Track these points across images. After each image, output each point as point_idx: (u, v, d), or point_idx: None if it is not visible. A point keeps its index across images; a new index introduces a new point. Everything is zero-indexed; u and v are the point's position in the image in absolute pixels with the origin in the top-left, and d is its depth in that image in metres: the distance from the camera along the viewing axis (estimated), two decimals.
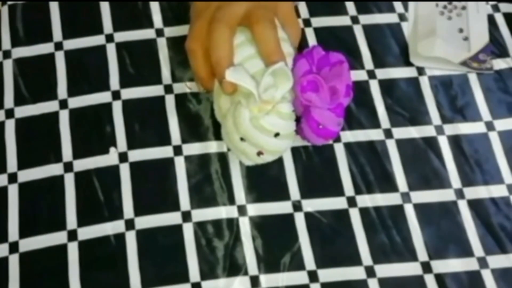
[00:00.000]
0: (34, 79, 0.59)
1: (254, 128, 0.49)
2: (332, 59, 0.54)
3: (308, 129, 0.53)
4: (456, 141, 0.58)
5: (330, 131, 0.53)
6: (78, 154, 0.55)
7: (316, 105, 0.52)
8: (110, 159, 0.55)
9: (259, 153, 0.51)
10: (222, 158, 0.56)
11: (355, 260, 0.52)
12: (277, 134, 0.50)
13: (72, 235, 0.52)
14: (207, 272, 0.51)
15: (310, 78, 0.52)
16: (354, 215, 0.54)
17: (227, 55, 0.50)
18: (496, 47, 0.62)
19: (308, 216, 0.54)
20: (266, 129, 0.49)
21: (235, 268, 0.52)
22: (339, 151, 0.56)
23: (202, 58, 0.52)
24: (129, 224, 0.53)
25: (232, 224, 0.53)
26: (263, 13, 0.52)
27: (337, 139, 0.57)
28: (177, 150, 0.56)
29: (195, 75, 0.54)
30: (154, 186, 0.55)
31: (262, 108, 0.49)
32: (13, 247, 0.52)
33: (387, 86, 0.59)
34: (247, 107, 0.49)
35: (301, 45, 0.58)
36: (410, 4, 0.63)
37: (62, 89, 0.58)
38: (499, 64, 0.61)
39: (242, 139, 0.50)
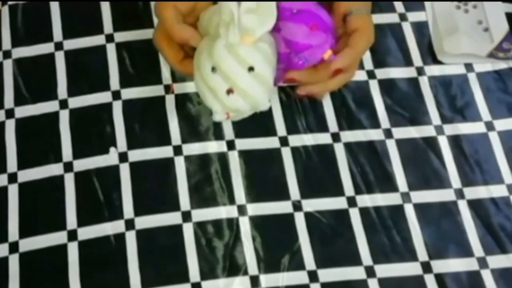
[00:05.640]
0: (34, 79, 0.59)
1: (228, 54, 0.47)
2: None
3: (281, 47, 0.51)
4: (456, 141, 0.58)
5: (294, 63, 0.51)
6: (78, 154, 0.55)
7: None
8: (110, 159, 0.55)
9: (229, 91, 0.48)
10: (222, 158, 0.56)
11: (355, 260, 0.52)
12: (251, 69, 0.48)
13: (72, 235, 0.52)
14: (207, 272, 0.51)
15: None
16: (354, 215, 0.54)
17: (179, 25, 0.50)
18: None
19: (308, 216, 0.54)
20: (241, 58, 0.47)
21: (235, 268, 0.52)
22: (339, 151, 0.56)
23: (168, 44, 0.52)
24: (129, 224, 0.53)
25: (232, 224, 0.53)
26: None
27: (337, 139, 0.57)
28: (177, 150, 0.56)
29: (169, 63, 0.54)
30: (154, 186, 0.55)
31: (241, 40, 0.47)
32: (13, 247, 0.52)
33: (387, 86, 0.59)
34: (226, 36, 0.47)
35: None
36: (427, 3, 0.63)
37: (62, 89, 0.58)
38: (499, 64, 0.61)
39: (213, 69, 0.48)
